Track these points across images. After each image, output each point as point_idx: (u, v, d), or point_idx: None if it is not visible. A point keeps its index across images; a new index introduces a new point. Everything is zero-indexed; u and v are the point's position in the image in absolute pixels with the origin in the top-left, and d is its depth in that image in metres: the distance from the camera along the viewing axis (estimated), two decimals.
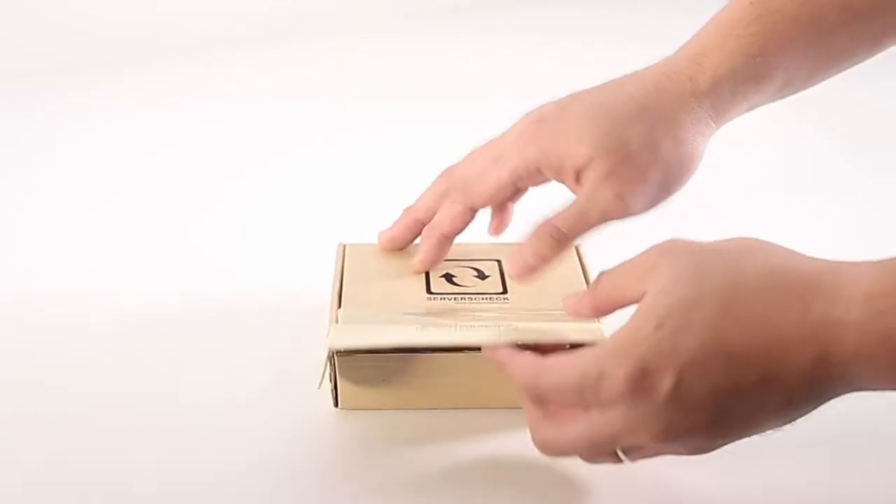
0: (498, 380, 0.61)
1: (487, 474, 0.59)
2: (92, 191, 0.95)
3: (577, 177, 0.61)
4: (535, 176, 0.63)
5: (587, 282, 0.65)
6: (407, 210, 0.68)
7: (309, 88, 1.21)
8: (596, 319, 0.59)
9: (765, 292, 0.48)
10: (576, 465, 0.56)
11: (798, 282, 0.48)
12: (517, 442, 0.60)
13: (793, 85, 0.64)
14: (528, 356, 0.54)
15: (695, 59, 0.62)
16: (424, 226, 0.67)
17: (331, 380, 0.62)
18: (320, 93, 1.19)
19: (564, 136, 0.61)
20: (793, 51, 0.62)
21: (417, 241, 0.68)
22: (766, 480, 0.57)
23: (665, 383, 0.48)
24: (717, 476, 0.56)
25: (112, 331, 0.73)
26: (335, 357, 0.61)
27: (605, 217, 0.60)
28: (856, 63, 0.65)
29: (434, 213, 0.66)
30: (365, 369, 0.62)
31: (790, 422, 0.50)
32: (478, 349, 0.60)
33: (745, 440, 0.51)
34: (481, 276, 0.66)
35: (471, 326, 0.61)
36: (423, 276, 0.65)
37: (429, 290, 0.64)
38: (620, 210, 0.60)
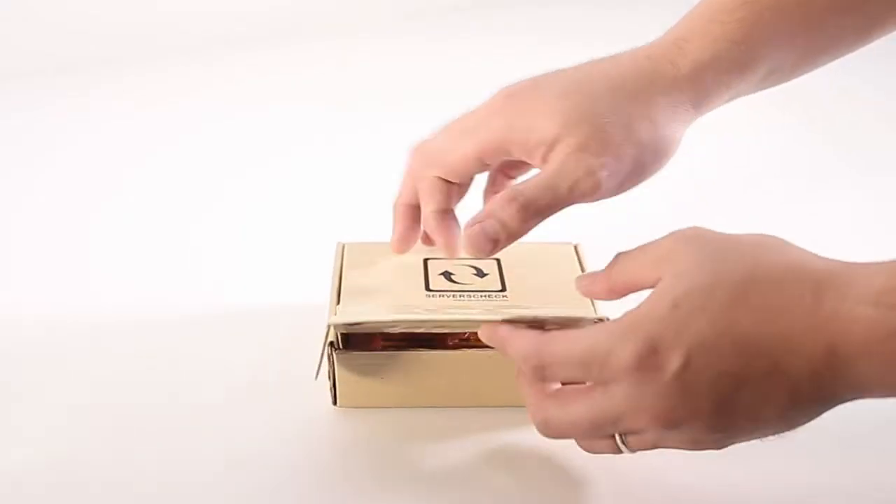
0: (497, 378, 0.62)
1: (486, 472, 0.59)
2: (92, 191, 0.95)
3: (545, 154, 0.57)
4: (501, 152, 0.59)
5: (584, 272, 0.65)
6: (395, 204, 0.66)
7: (309, 88, 1.21)
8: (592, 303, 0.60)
9: (779, 285, 0.48)
10: (575, 463, 0.57)
11: (811, 277, 0.48)
12: (516, 440, 0.61)
13: (776, 75, 0.61)
14: (531, 331, 0.54)
15: (676, 43, 0.60)
16: (417, 210, 0.65)
17: (329, 377, 0.62)
18: (320, 93, 1.19)
19: (533, 111, 0.58)
20: (778, 39, 0.60)
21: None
22: (766, 480, 0.57)
23: (673, 363, 0.48)
24: (716, 477, 0.56)
25: (111, 330, 0.73)
26: (334, 354, 0.61)
27: (575, 192, 0.56)
28: (841, 55, 0.63)
29: (414, 197, 0.64)
30: (363, 366, 0.62)
31: (791, 426, 0.50)
32: (477, 348, 0.60)
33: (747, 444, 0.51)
34: (480, 273, 0.66)
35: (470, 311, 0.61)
36: (422, 273, 0.65)
37: (427, 288, 0.64)
38: (591, 187, 0.56)
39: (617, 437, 0.52)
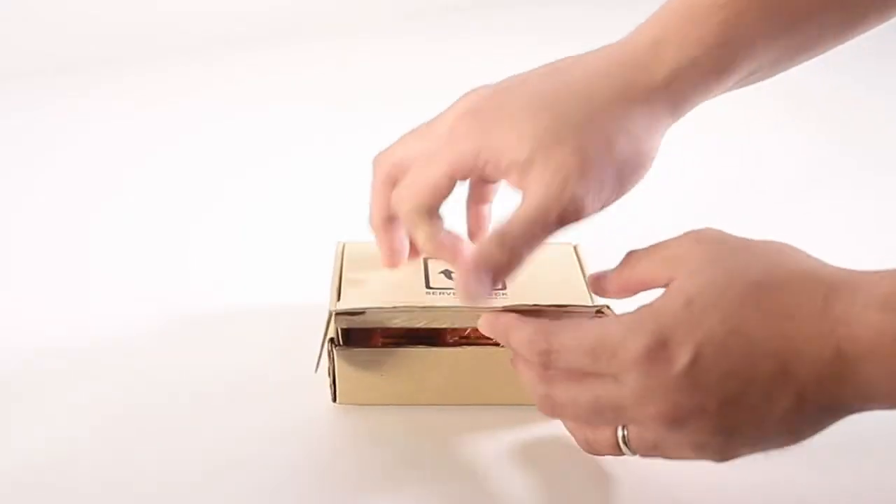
0: (497, 375, 0.62)
1: (486, 470, 0.59)
2: (92, 191, 0.95)
3: (520, 176, 0.55)
4: (473, 172, 0.57)
5: (585, 277, 0.65)
6: (372, 223, 0.63)
7: (309, 88, 1.21)
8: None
9: (790, 289, 0.48)
10: (575, 462, 0.57)
11: (822, 283, 0.48)
12: (517, 438, 0.61)
13: (755, 75, 0.59)
14: (537, 319, 0.54)
15: (652, 47, 0.56)
16: (396, 220, 0.63)
17: (329, 374, 0.63)
18: (320, 93, 1.20)
19: (501, 131, 0.55)
20: (759, 41, 0.57)
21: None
22: (766, 482, 0.57)
23: (682, 358, 0.48)
24: (717, 477, 0.56)
25: (111, 330, 0.73)
26: (334, 350, 0.61)
27: (561, 222, 0.54)
28: (821, 52, 0.61)
29: (389, 208, 0.61)
30: (363, 363, 0.62)
31: (796, 438, 0.49)
32: (477, 346, 0.60)
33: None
34: None
35: None
36: (422, 271, 0.65)
37: (428, 286, 0.64)
38: (576, 214, 0.54)
39: (619, 433, 0.52)
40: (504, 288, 0.64)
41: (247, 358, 0.69)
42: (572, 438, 0.57)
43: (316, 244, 0.73)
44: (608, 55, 0.57)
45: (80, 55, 1.23)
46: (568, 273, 0.65)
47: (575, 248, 0.69)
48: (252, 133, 1.08)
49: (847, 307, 0.47)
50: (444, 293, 0.63)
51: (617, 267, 0.56)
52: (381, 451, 0.60)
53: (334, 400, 0.63)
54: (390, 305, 0.60)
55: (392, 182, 0.60)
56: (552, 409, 0.54)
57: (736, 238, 0.52)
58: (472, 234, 0.64)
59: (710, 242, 0.52)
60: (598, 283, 0.57)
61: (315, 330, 0.62)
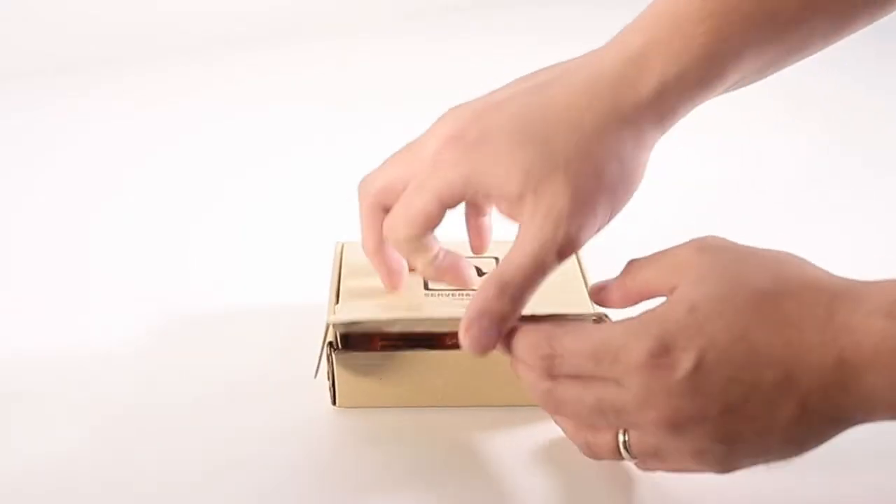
0: (496, 377, 0.62)
1: (486, 472, 0.59)
2: (92, 191, 0.95)
3: (511, 208, 0.54)
4: (463, 199, 0.56)
5: (585, 281, 0.65)
6: (365, 250, 0.62)
7: (309, 88, 1.21)
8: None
9: (794, 297, 0.48)
10: (575, 463, 0.57)
11: (825, 292, 0.48)
12: (516, 440, 0.61)
13: (741, 83, 0.58)
14: (539, 324, 0.54)
15: (637, 61, 0.54)
16: (385, 245, 0.62)
17: (328, 377, 0.63)
18: (320, 93, 1.20)
19: (489, 163, 0.54)
20: (746, 50, 0.55)
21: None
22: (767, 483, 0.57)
23: (685, 363, 0.48)
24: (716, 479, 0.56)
25: (111, 330, 0.73)
26: (333, 354, 0.61)
27: (560, 259, 0.53)
28: (808, 55, 0.59)
29: (381, 235, 0.60)
30: (362, 366, 0.62)
31: (798, 449, 0.49)
32: None
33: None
34: (479, 272, 0.65)
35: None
36: None
37: (426, 287, 0.64)
38: (572, 248, 0.54)
39: (620, 438, 0.52)
40: None
41: (247, 358, 0.69)
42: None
43: (316, 244, 0.73)
44: (592, 71, 0.55)
45: (80, 55, 1.23)
46: (568, 278, 0.65)
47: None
48: (252, 133, 1.08)
49: (850, 316, 0.47)
50: (442, 295, 0.63)
51: (618, 276, 0.56)
52: (381, 451, 0.60)
53: (334, 403, 0.63)
54: (388, 318, 0.61)
55: (380, 207, 0.59)
56: (555, 406, 0.53)
57: (740, 246, 0.52)
58: (476, 249, 0.64)
59: (713, 251, 0.52)
60: (600, 294, 0.57)
61: (315, 330, 0.62)
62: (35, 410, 0.64)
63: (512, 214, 0.54)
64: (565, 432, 0.57)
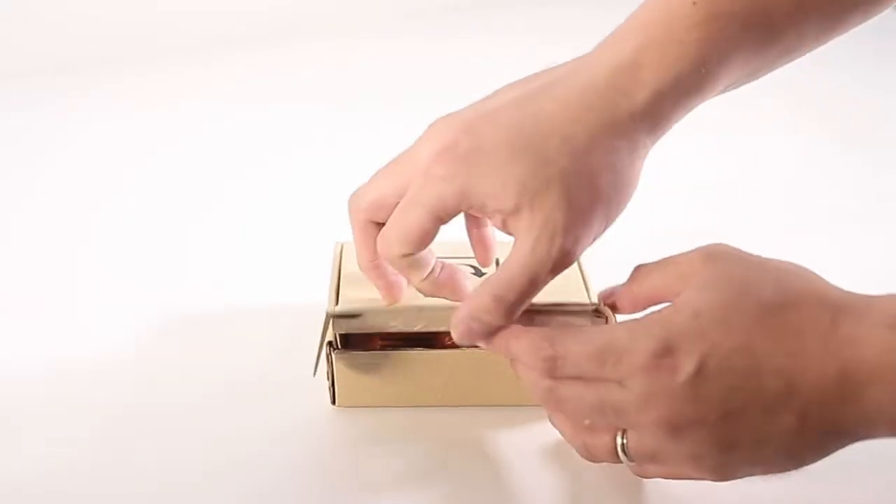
0: (495, 376, 0.62)
1: (485, 471, 0.59)
2: (92, 191, 0.95)
3: (506, 221, 0.54)
4: (457, 213, 0.55)
5: (584, 279, 0.65)
6: (361, 267, 0.61)
7: (309, 88, 1.21)
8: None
9: (799, 309, 0.48)
10: (577, 464, 0.57)
11: (830, 304, 0.49)
12: (515, 439, 0.61)
13: (733, 86, 0.58)
14: (539, 328, 0.54)
15: (630, 69, 0.54)
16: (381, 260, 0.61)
17: (328, 377, 0.63)
18: (320, 93, 1.19)
19: (483, 177, 0.53)
20: (739, 55, 0.55)
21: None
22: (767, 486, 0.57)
23: (687, 366, 0.48)
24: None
25: (111, 330, 0.73)
26: (333, 354, 0.61)
27: (555, 273, 0.53)
28: (799, 56, 0.59)
29: (375, 251, 0.59)
30: (362, 366, 0.62)
31: (795, 462, 0.49)
32: (476, 347, 0.60)
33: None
34: (478, 273, 0.65)
35: None
36: None
37: None
38: (568, 262, 0.53)
39: (618, 441, 0.52)
40: None
41: (247, 358, 0.69)
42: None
43: (316, 244, 0.73)
44: (584, 79, 0.54)
45: (80, 55, 1.23)
46: (566, 274, 0.65)
47: None
48: (252, 133, 1.08)
49: (854, 328, 0.47)
50: None
51: (626, 282, 0.56)
52: (381, 451, 0.60)
53: (333, 402, 0.63)
54: (388, 308, 0.60)
55: (372, 223, 0.59)
56: (555, 403, 0.53)
57: (747, 256, 0.52)
58: (482, 262, 0.63)
59: (720, 259, 0.51)
60: (608, 300, 0.57)
61: (315, 330, 0.62)
62: (35, 410, 0.64)
63: (506, 227, 0.54)
64: (563, 434, 0.57)
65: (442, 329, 0.61)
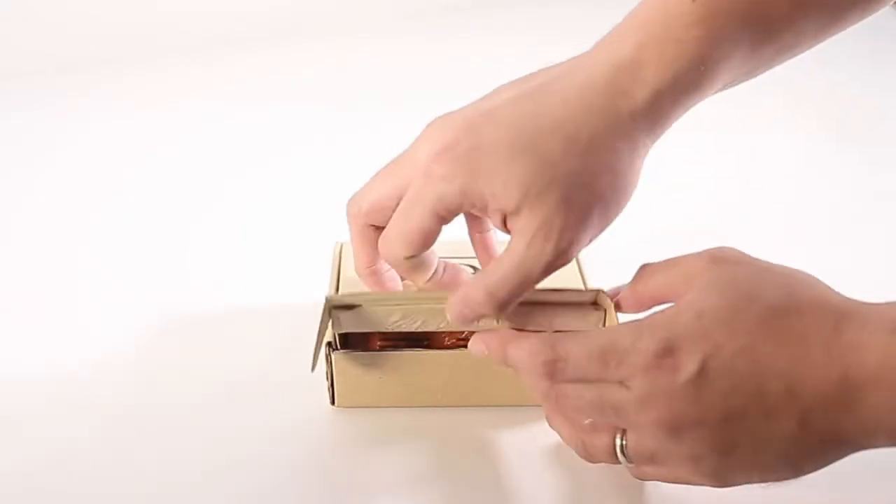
0: (494, 377, 0.62)
1: (484, 472, 0.59)
2: (92, 191, 0.95)
3: (504, 220, 0.54)
4: (458, 213, 0.55)
5: (582, 276, 0.65)
6: (359, 273, 0.61)
7: (309, 88, 1.21)
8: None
9: (803, 314, 0.49)
10: (577, 464, 0.57)
11: (835, 310, 0.49)
12: (515, 439, 0.61)
13: (731, 84, 0.58)
14: (537, 333, 0.54)
15: (629, 68, 0.54)
16: (381, 266, 0.61)
17: (327, 377, 0.63)
18: (320, 93, 1.19)
19: (485, 176, 0.53)
20: (737, 53, 0.55)
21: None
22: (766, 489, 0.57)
23: (689, 366, 0.48)
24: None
25: (111, 330, 0.73)
26: (332, 354, 0.61)
27: (548, 272, 0.54)
28: (797, 55, 0.59)
29: (374, 255, 0.60)
30: (361, 366, 0.62)
31: (794, 470, 0.49)
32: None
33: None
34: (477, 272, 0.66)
35: None
36: None
37: None
38: (563, 262, 0.54)
39: (617, 442, 0.52)
40: None
41: (247, 358, 0.69)
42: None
43: (316, 244, 0.73)
44: (584, 78, 0.54)
45: (80, 55, 1.22)
46: (564, 272, 0.65)
47: None
48: (252, 133, 1.08)
49: (856, 334, 0.47)
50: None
51: (631, 281, 0.56)
52: (381, 451, 0.60)
53: (333, 403, 0.63)
54: (388, 297, 0.60)
55: (371, 228, 0.59)
56: (555, 401, 0.53)
57: (753, 261, 0.52)
58: (484, 265, 0.63)
59: (727, 263, 0.52)
60: (613, 299, 0.57)
61: (314, 330, 0.62)
62: (35, 410, 0.64)
63: (505, 228, 0.54)
64: (561, 436, 0.57)
65: (442, 327, 0.60)
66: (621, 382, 0.50)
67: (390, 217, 0.57)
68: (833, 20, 0.58)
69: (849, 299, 0.50)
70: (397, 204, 0.56)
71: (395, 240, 0.56)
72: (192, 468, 0.59)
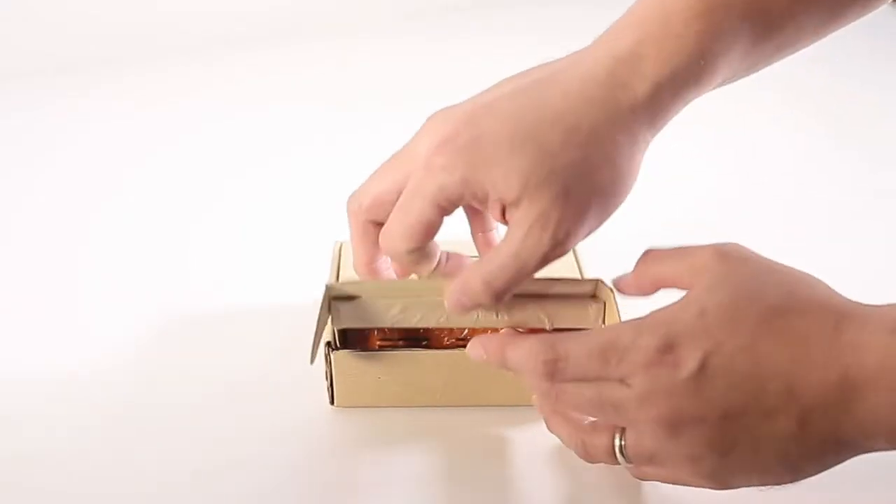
0: (493, 377, 0.62)
1: (484, 471, 0.59)
2: (92, 191, 0.95)
3: (503, 211, 0.54)
4: (459, 204, 0.55)
5: (580, 269, 0.65)
6: (357, 270, 0.61)
7: (309, 88, 1.21)
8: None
9: (805, 314, 0.49)
10: (576, 463, 0.57)
11: (835, 311, 0.49)
12: (514, 439, 0.61)
13: (731, 79, 0.58)
14: (536, 334, 0.54)
15: (629, 62, 0.54)
16: (380, 260, 0.61)
17: (326, 377, 0.63)
18: (320, 93, 1.19)
19: (485, 166, 0.53)
20: (737, 47, 0.55)
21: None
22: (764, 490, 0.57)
23: (689, 363, 0.48)
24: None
25: (111, 330, 0.73)
26: (331, 354, 0.61)
27: (545, 263, 0.54)
28: (797, 51, 0.59)
29: (373, 252, 0.60)
30: (360, 366, 0.62)
31: (792, 473, 0.49)
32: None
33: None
34: None
35: None
36: None
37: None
38: (559, 253, 0.54)
39: (616, 442, 0.52)
40: None
41: (247, 358, 0.69)
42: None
43: (316, 244, 0.73)
44: (584, 72, 0.54)
45: (80, 55, 1.22)
46: (564, 269, 0.65)
47: None
48: (252, 133, 1.08)
49: (856, 334, 0.47)
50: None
51: (635, 267, 0.56)
52: (380, 451, 0.61)
53: (332, 403, 0.63)
54: (388, 286, 0.60)
55: (372, 224, 0.59)
56: (556, 399, 0.53)
57: (760, 259, 0.52)
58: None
59: (733, 260, 0.52)
60: (616, 282, 0.57)
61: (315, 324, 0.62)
62: (35, 410, 0.64)
63: (503, 220, 0.54)
64: (561, 438, 0.57)
65: (442, 322, 0.60)
66: (622, 380, 0.50)
67: (390, 213, 0.57)
68: (833, 16, 0.58)
69: (850, 301, 0.50)
70: (398, 198, 0.56)
71: (396, 233, 0.56)
72: (191, 468, 0.59)
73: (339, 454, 0.61)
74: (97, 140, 1.06)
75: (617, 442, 0.52)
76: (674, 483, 0.52)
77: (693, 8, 0.54)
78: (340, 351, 0.62)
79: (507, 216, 0.54)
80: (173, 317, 0.74)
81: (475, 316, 0.57)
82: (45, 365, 0.69)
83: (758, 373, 0.48)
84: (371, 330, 0.62)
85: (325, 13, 1.41)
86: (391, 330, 0.62)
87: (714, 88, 0.57)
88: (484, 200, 0.54)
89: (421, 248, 0.56)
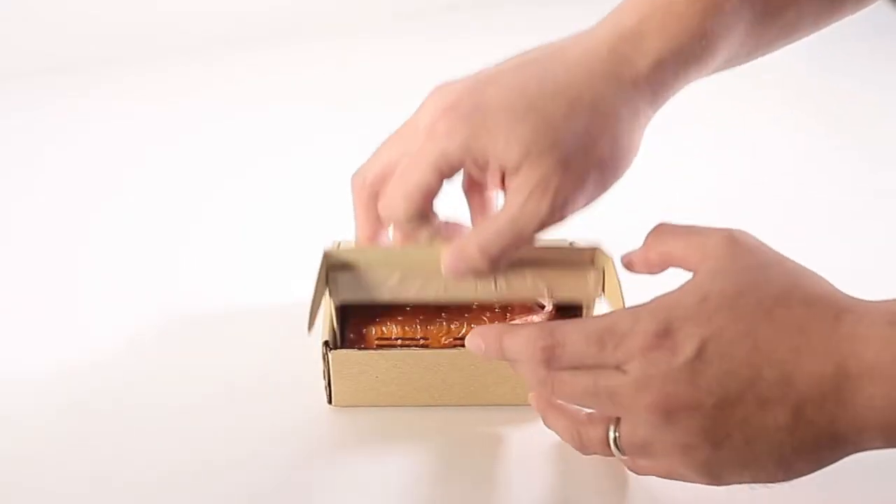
0: (492, 376, 0.62)
1: (482, 471, 0.59)
2: (92, 191, 0.95)
3: (503, 178, 0.55)
4: (459, 169, 0.56)
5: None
6: (357, 245, 0.63)
7: (309, 88, 1.21)
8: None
9: (805, 306, 0.49)
10: (575, 463, 0.57)
11: (835, 304, 0.49)
12: (513, 438, 0.61)
13: (731, 62, 0.59)
14: (533, 323, 0.55)
15: (631, 39, 0.55)
16: (381, 234, 0.62)
17: (324, 377, 0.63)
18: (320, 93, 1.19)
19: (487, 133, 0.54)
20: (738, 30, 0.56)
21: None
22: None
23: (686, 348, 0.48)
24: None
25: (110, 330, 0.73)
26: (329, 354, 0.61)
27: (541, 230, 0.55)
28: (797, 39, 0.60)
29: (376, 227, 0.61)
30: (358, 365, 0.62)
31: (786, 470, 0.49)
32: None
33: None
34: None
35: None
36: None
37: None
38: (556, 221, 0.55)
39: (610, 434, 0.52)
40: None
41: (247, 358, 0.69)
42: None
43: (315, 244, 0.73)
44: (588, 48, 0.56)
45: (80, 55, 1.22)
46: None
47: (571, 244, 0.69)
48: (252, 133, 1.08)
49: (854, 326, 0.48)
50: None
51: (644, 241, 0.56)
52: (379, 450, 0.61)
53: (330, 402, 0.63)
54: (384, 254, 0.60)
55: (375, 197, 0.59)
56: (552, 388, 0.53)
57: (768, 250, 0.53)
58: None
59: (741, 247, 0.52)
60: (624, 258, 0.57)
61: (314, 330, 0.61)
62: (34, 410, 0.64)
63: (503, 186, 0.55)
64: (556, 429, 0.57)
65: (440, 292, 0.60)
66: (618, 367, 0.50)
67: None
68: (831, 7, 0.59)
69: (852, 297, 0.50)
70: None
71: (397, 196, 0.57)
72: (190, 467, 0.59)
73: (337, 453, 0.61)
74: (97, 140, 1.06)
75: (611, 434, 0.52)
76: (667, 476, 0.52)
77: None
78: (338, 350, 0.62)
79: (507, 183, 0.55)
80: (173, 317, 0.74)
81: (474, 286, 0.58)
82: (44, 365, 0.69)
83: (755, 360, 0.48)
84: (370, 330, 0.62)
85: (325, 13, 1.41)
86: (389, 330, 0.62)
87: (715, 71, 0.58)
88: (484, 167, 0.55)
89: (421, 213, 0.57)
